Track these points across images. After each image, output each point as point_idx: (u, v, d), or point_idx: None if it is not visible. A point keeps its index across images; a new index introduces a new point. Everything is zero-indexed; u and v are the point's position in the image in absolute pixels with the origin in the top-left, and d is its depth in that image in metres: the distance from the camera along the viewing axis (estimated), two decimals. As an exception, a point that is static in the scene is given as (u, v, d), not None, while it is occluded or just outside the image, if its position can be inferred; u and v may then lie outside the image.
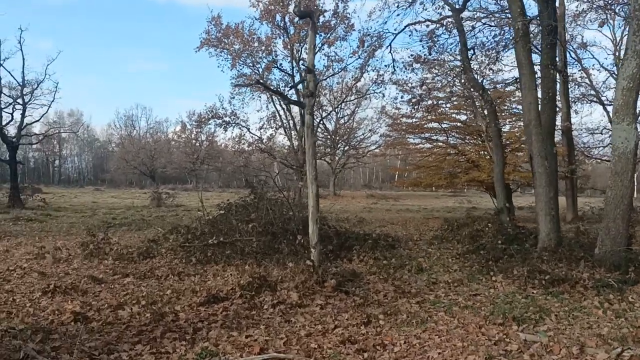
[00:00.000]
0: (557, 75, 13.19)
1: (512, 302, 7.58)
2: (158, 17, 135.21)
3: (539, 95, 11.74)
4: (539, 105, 11.18)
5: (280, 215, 11.91)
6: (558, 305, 7.34)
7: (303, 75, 9.23)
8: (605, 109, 28.36)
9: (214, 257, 10.42)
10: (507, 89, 23.33)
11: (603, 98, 28.54)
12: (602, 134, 29.51)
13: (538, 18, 10.95)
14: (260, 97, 29.40)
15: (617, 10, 21.49)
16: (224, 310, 6.86)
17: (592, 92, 28.52)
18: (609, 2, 21.69)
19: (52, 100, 32.55)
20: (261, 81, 10.45)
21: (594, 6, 21.38)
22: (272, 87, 14.06)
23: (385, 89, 48.66)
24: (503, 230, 13.08)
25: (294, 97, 22.51)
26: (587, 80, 28.14)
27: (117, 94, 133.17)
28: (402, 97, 21.21)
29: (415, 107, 20.10)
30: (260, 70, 27.79)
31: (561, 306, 7.26)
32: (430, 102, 23.33)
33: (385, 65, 27.26)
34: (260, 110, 63.87)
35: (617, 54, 29.00)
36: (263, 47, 29.00)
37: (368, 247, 11.97)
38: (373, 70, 24.57)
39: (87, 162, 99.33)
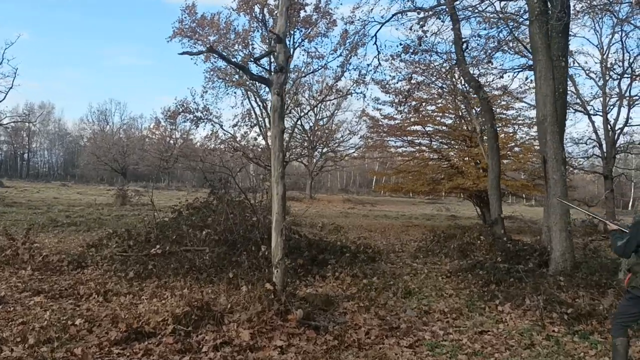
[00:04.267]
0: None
1: (532, 345, 5.81)
2: (142, 13, 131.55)
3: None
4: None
5: (243, 221, 9.99)
6: (592, 352, 5.59)
7: (272, 45, 7.31)
8: (590, 119, 27.21)
9: (156, 271, 8.44)
10: (494, 92, 21.83)
11: (589, 108, 27.38)
12: (586, 144, 28.44)
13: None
14: (235, 92, 27.68)
15: (616, 11, 20.11)
16: (145, 354, 4.94)
17: (578, 101, 27.32)
18: (609, 1, 20.34)
19: (10, 87, 29.99)
20: (216, 50, 8.50)
21: (593, 4, 20.02)
22: (229, 58, 12.10)
23: (367, 89, 47.14)
24: (500, 245, 11.38)
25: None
26: (572, 89, 26.92)
27: (96, 89, 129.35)
28: (387, 95, 19.57)
29: (402, 104, 18.38)
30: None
31: (597, 355, 5.51)
32: (414, 102, 21.81)
33: (368, 65, 25.86)
34: (235, 107, 61.48)
35: (604, 63, 27.79)
36: (240, 40, 27.40)
37: (345, 261, 10.10)
38: (355, 69, 22.95)
39: (58, 157, 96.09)
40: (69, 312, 6.43)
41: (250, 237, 9.43)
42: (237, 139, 29.28)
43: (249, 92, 27.48)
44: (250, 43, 26.87)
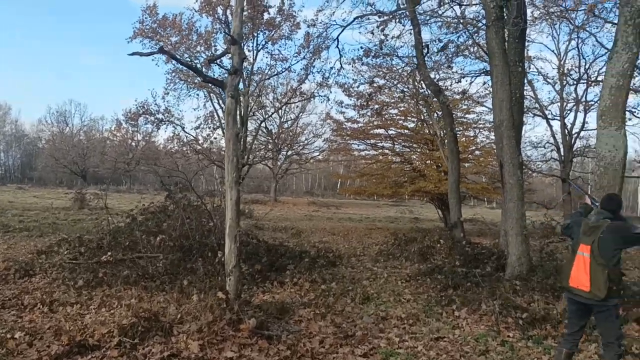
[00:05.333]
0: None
1: (487, 351, 5.79)
2: (106, 12, 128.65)
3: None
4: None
5: (200, 226, 9.76)
6: (545, 357, 5.61)
7: (227, 47, 7.14)
8: (548, 123, 27.89)
9: (107, 279, 8.14)
10: (455, 96, 22.06)
11: (547, 112, 28.05)
12: (544, 148, 29.11)
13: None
14: (197, 94, 27.31)
15: (572, 18, 20.62)
16: (87, 370, 4.72)
17: (537, 105, 27.94)
18: (565, 7, 20.80)
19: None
20: (165, 50, 8.29)
21: (550, 11, 20.45)
22: (181, 59, 11.84)
23: (331, 92, 47.23)
24: (459, 249, 11.44)
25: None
26: (531, 94, 27.53)
27: (56, 90, 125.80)
28: (349, 99, 19.62)
29: (364, 106, 18.37)
30: (199, 65, 25.71)
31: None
32: (377, 106, 21.87)
33: (331, 68, 25.81)
34: (197, 109, 60.62)
35: (561, 69, 28.47)
36: (202, 41, 27.11)
37: (304, 266, 9.97)
38: (318, 72, 22.89)
39: (15, 159, 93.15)
40: (9, 324, 6.13)
41: (206, 243, 9.22)
42: (200, 142, 28.90)
43: (211, 94, 27.14)
44: (213, 44, 26.58)
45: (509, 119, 8.95)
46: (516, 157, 9.12)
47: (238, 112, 28.16)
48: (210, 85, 26.03)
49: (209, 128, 27.82)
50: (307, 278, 9.26)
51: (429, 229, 18.66)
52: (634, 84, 22.49)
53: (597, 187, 7.90)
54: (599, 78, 23.19)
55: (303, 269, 9.77)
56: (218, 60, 17.09)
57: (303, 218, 30.00)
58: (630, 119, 24.16)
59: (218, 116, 27.66)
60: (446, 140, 15.42)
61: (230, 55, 6.68)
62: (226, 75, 15.31)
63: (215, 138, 28.68)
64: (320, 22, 14.86)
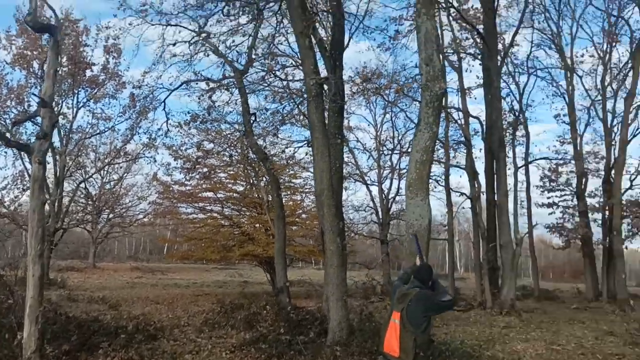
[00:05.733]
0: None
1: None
2: None
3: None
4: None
5: (-4, 304, 8.61)
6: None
7: (37, 109, 6.60)
8: (368, 189, 30.04)
9: None
10: (283, 161, 22.81)
11: (367, 178, 30.23)
12: (365, 211, 31.17)
13: (328, 79, 10.00)
14: (6, 152, 24.78)
15: (386, 94, 22.75)
16: None
17: (358, 171, 30.00)
18: (379, 85, 22.90)
19: None
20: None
21: (367, 87, 22.36)
22: None
23: (158, 153, 45.93)
24: (284, 315, 11.50)
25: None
26: (353, 161, 29.59)
27: None
28: (176, 162, 19.15)
29: (190, 173, 18.08)
30: (9, 121, 23.56)
31: None
32: (205, 169, 21.72)
33: (158, 129, 25.18)
34: (4, 168, 54.85)
35: (378, 139, 31.13)
36: (13, 96, 25.10)
37: (120, 343, 9.22)
38: (145, 133, 22.19)
39: None
40: None
41: (3, 323, 8.12)
42: (6, 204, 26.12)
43: (21, 152, 24.83)
44: (26, 99, 24.67)
45: (329, 188, 9.44)
46: (336, 224, 9.59)
47: (54, 172, 26.12)
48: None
49: (18, 189, 25.32)
50: (122, 356, 8.56)
51: (257, 294, 18.62)
52: (437, 155, 25.29)
53: (407, 252, 8.53)
54: (410, 149, 25.69)
55: (119, 347, 9.01)
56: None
57: (125, 286, 28.06)
58: (435, 187, 26.98)
59: (29, 176, 25.33)
60: (273, 205, 15.72)
61: (40, 117, 6.18)
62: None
63: (25, 201, 26.11)
64: (147, 85, 14.58)
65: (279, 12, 12.83)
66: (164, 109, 14.85)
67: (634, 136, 25.87)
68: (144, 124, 15.92)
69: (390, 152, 29.64)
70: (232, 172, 24.03)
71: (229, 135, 18.28)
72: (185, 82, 14.14)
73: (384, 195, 29.84)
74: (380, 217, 29.68)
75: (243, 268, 47.13)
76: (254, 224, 24.38)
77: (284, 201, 23.72)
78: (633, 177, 26.95)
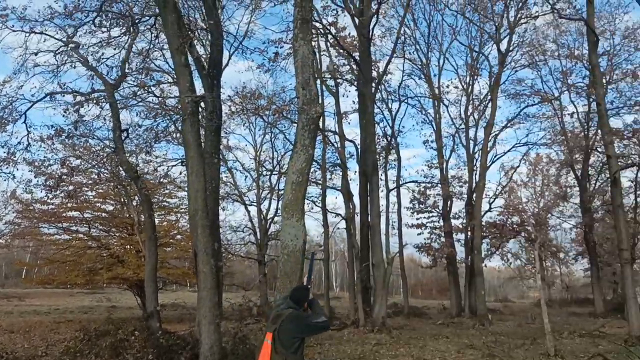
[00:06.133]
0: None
1: None
2: None
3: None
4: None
5: None
6: None
7: None
8: (246, 209, 29.89)
9: None
10: (160, 180, 22.03)
11: (245, 199, 30.08)
12: (243, 232, 30.96)
13: (204, 97, 9.82)
14: None
15: (266, 115, 22.93)
16: None
17: (236, 191, 29.77)
18: (258, 106, 23.06)
19: None
20: None
21: (247, 107, 22.41)
22: None
23: (17, 169, 42.28)
24: (154, 341, 10.95)
25: None
26: (231, 180, 29.35)
27: None
28: (37, 179, 17.65)
29: (53, 191, 16.81)
30: None
31: None
32: (71, 187, 20.31)
33: (19, 142, 23.15)
34: None
35: (257, 159, 31.19)
36: None
37: (-37, 380, 8.25)
38: (2, 147, 20.30)
39: None
40: None
41: None
42: None
43: None
44: None
45: (204, 209, 9.23)
46: (210, 245, 9.37)
47: None
48: None
49: None
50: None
51: (126, 319, 17.56)
52: (314, 177, 25.84)
53: (282, 273, 8.53)
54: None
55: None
56: None
57: (-27, 315, 25.29)
58: (312, 208, 27.50)
59: None
60: (144, 226, 15.04)
61: None
62: None
63: None
64: (5, 95, 13.37)
65: (154, 26, 12.45)
66: (24, 121, 13.70)
67: (493, 162, 28.41)
68: (1, 136, 14.52)
69: (269, 172, 29.79)
70: (101, 191, 22.70)
71: (98, 152, 17.28)
72: (49, 94, 13.15)
73: (262, 216, 29.80)
74: (259, 237, 29.59)
75: (112, 292, 44.52)
76: (124, 245, 23.18)
77: (158, 221, 22.91)
78: (491, 200, 29.44)
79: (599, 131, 20.47)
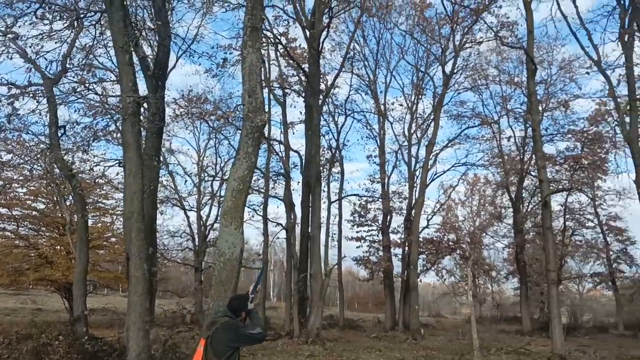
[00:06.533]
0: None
1: None
2: None
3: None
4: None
5: None
6: None
7: None
8: (186, 214, 29.43)
9: None
10: (95, 180, 21.32)
11: (185, 203, 29.60)
12: (181, 237, 30.41)
13: (147, 98, 9.60)
14: None
15: (212, 120, 22.72)
16: None
17: (176, 196, 29.26)
18: (204, 110, 22.82)
19: None
20: None
21: (192, 111, 22.13)
22: None
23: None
24: (79, 347, 10.54)
25: None
26: (172, 184, 28.84)
27: None
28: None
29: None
30: None
31: None
32: (0, 182, 19.39)
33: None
34: None
35: (200, 164, 30.78)
36: None
37: None
38: None
39: None
40: None
41: None
42: None
43: None
44: None
45: (140, 212, 9.00)
46: (144, 250, 9.14)
47: None
48: None
49: None
50: None
51: (52, 322, 16.83)
52: (257, 185, 25.73)
53: (217, 280, 8.42)
54: (230, 177, 25.84)
55: None
56: None
57: None
58: (253, 216, 27.35)
59: None
60: (76, 227, 14.51)
61: None
62: None
63: None
64: None
65: (99, 22, 12.10)
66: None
67: (432, 180, 29.15)
68: None
69: (211, 178, 29.41)
70: (32, 188, 21.76)
71: (32, 147, 16.58)
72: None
73: (202, 222, 29.36)
74: (197, 243, 29.10)
75: (38, 294, 42.61)
76: (54, 245, 22.28)
77: (92, 222, 22.17)
78: (430, 217, 30.14)
79: (534, 156, 21.34)
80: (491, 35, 22.50)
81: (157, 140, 10.65)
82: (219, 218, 28.31)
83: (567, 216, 30.90)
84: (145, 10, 14.39)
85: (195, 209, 29.61)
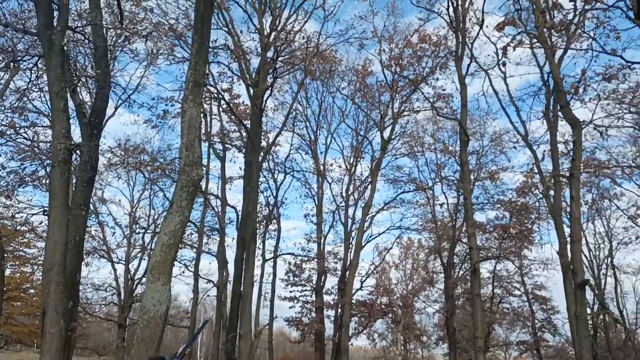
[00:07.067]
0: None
1: None
2: None
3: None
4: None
5: None
6: None
7: None
8: (113, 267, 28.29)
9: None
10: (18, 227, 20.29)
11: (113, 255, 28.49)
12: (106, 291, 29.03)
13: (80, 146, 9.30)
14: None
15: (148, 171, 22.27)
16: None
17: (105, 247, 28.16)
18: (139, 162, 22.40)
19: None
20: None
21: (126, 161, 21.65)
22: None
23: None
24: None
25: None
26: (100, 234, 27.79)
27: None
28: None
29: None
30: None
31: None
32: None
33: None
34: None
35: (132, 215, 29.93)
36: None
37: None
38: None
39: None
40: None
41: None
42: None
43: None
44: None
45: (61, 264, 8.55)
46: (62, 304, 8.63)
47: None
48: None
49: None
50: None
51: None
52: (190, 240, 25.13)
53: (139, 339, 8.03)
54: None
55: None
56: None
57: None
58: (184, 272, 26.59)
59: None
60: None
61: None
62: None
63: None
64: None
65: (37, 66, 11.84)
66: None
67: (368, 242, 29.40)
68: None
69: (143, 230, 28.54)
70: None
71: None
72: None
73: (129, 276, 28.19)
74: (122, 298, 27.81)
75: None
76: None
77: (9, 272, 20.95)
78: (364, 278, 30.19)
79: (465, 223, 22.01)
80: (428, 105, 23.54)
81: (88, 189, 10.28)
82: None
83: (496, 283, 31.65)
84: (86, 58, 14.23)
85: (124, 262, 28.48)
